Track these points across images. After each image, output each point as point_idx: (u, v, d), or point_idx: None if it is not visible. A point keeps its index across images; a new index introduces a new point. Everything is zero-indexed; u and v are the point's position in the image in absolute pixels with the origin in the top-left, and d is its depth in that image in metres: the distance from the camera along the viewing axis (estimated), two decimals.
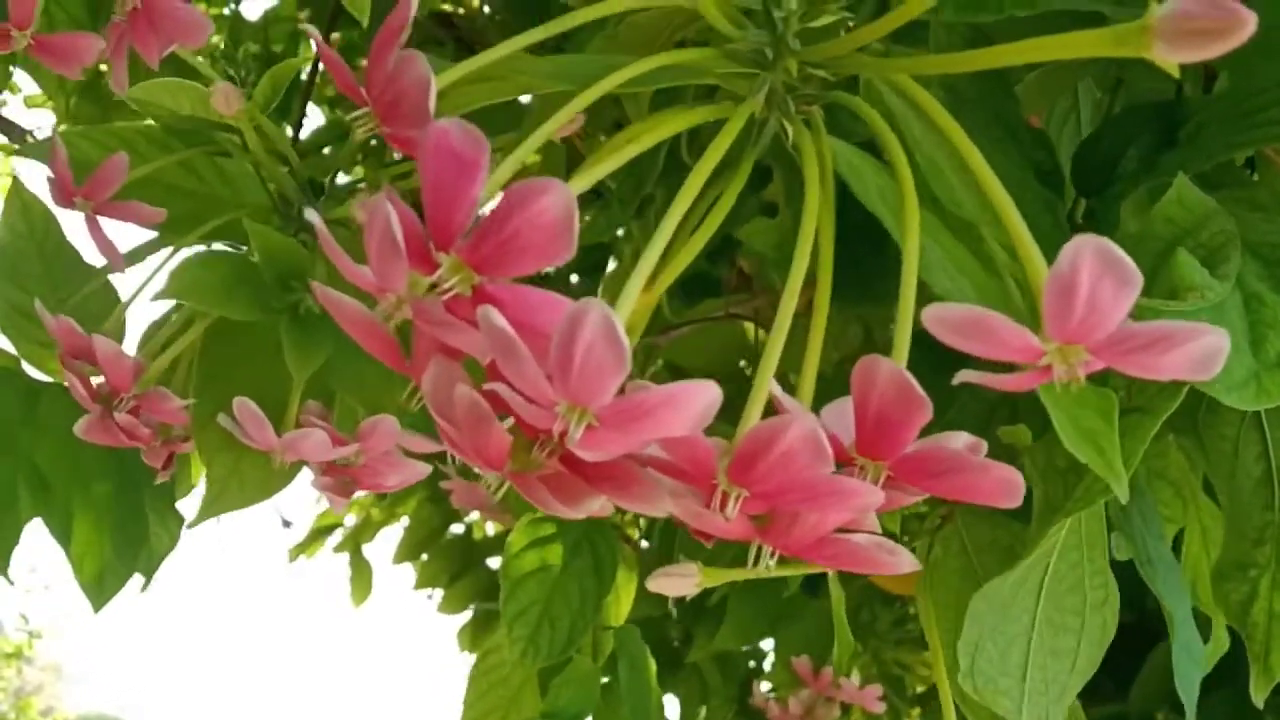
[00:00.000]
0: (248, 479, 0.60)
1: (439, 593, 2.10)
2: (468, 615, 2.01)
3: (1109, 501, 0.53)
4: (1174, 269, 0.43)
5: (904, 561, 0.35)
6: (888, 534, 0.36)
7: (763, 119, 0.39)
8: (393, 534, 2.18)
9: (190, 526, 0.59)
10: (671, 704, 1.59)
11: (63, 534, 0.71)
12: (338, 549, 2.28)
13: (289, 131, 0.62)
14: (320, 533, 2.28)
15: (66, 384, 0.56)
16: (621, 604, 1.01)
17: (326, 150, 0.59)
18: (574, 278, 1.69)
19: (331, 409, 0.58)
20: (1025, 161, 0.54)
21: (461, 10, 1.51)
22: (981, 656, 0.49)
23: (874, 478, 0.33)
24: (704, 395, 0.29)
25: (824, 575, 0.82)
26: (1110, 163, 0.59)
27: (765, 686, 1.53)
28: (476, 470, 0.35)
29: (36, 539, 0.71)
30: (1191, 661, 0.55)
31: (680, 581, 0.43)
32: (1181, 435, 0.59)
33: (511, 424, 0.34)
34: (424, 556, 2.09)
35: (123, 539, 0.72)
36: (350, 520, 2.26)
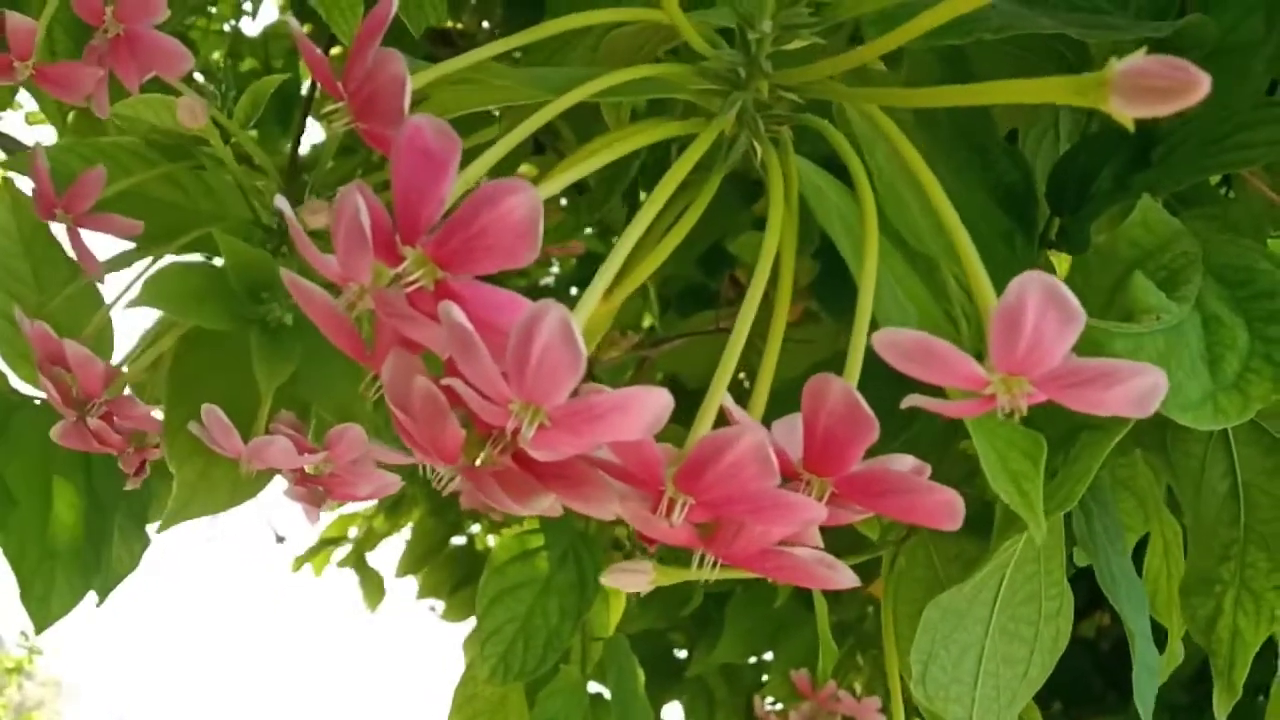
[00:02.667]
0: (217, 485, 0.60)
1: (441, 605, 2.12)
2: (473, 623, 2.02)
3: (1072, 515, 0.54)
4: (1130, 291, 0.43)
5: (843, 577, 0.36)
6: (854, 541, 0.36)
7: (733, 135, 0.39)
8: (395, 549, 2.20)
9: (159, 531, 0.60)
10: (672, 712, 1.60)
11: (18, 554, 0.71)
12: (342, 563, 2.29)
13: (288, 146, 0.63)
14: (325, 545, 2.30)
15: (42, 389, 0.56)
16: (611, 613, 1.02)
17: (330, 165, 0.60)
18: (573, 290, 1.72)
19: (307, 421, 0.59)
20: (991, 184, 0.54)
21: (460, 26, 1.51)
22: (934, 664, 0.50)
23: (819, 494, 0.34)
24: (655, 402, 0.30)
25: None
26: (1084, 182, 0.60)
27: (768, 700, 1.53)
28: (428, 463, 0.35)
29: None
30: (1149, 677, 0.56)
31: (634, 577, 0.44)
32: (1149, 452, 0.60)
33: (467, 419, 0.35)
34: (426, 569, 2.11)
35: (75, 565, 0.72)
36: (353, 533, 2.27)
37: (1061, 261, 0.64)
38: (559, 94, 0.37)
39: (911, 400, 0.33)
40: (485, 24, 1.55)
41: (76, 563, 0.70)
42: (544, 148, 1.67)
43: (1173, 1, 0.60)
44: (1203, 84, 0.27)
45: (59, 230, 0.66)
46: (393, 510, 2.18)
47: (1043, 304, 0.29)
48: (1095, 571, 0.53)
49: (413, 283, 0.31)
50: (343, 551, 2.32)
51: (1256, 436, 0.56)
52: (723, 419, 0.34)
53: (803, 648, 1.29)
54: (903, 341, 0.31)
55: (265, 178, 0.61)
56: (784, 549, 0.35)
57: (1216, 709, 0.58)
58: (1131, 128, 0.28)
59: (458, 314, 0.29)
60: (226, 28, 1.66)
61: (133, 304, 0.56)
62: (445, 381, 0.32)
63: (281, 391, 0.56)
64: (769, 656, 1.47)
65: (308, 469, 0.56)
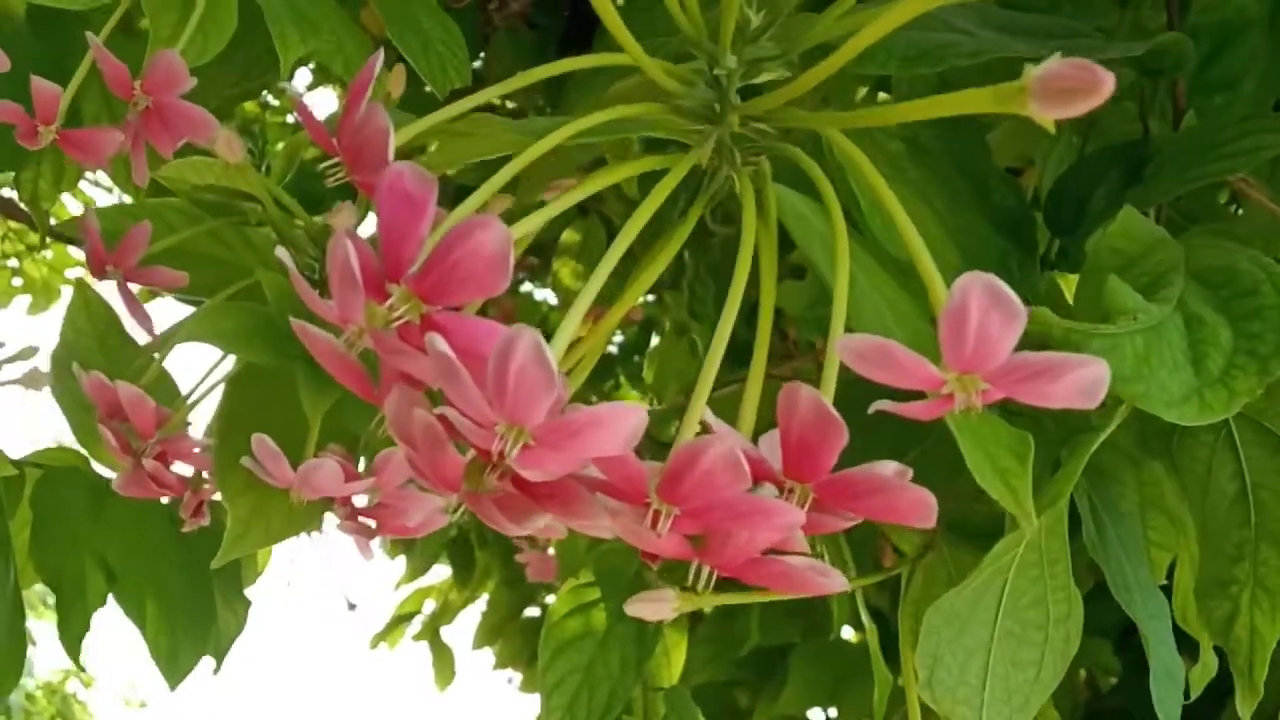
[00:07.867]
0: (272, 519, 0.61)
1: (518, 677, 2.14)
2: None
3: (1086, 529, 0.55)
4: (1106, 295, 0.45)
5: (835, 583, 0.37)
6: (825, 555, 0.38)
7: (713, 168, 0.41)
8: (470, 621, 2.23)
9: (215, 565, 0.61)
10: None
11: (137, 616, 0.76)
12: (417, 637, 2.31)
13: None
14: (400, 620, 2.32)
15: (104, 442, 0.59)
16: (673, 665, 1.02)
17: None
18: (635, 357, 1.78)
19: (356, 452, 0.61)
20: (989, 211, 0.56)
21: (513, 105, 1.52)
22: (940, 667, 0.51)
23: (800, 500, 0.36)
24: (630, 417, 0.32)
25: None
26: (1080, 202, 0.61)
27: None
28: (433, 491, 0.37)
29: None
30: (1173, 685, 0.57)
31: (657, 606, 0.46)
32: (1157, 458, 0.61)
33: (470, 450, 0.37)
34: (501, 640, 2.13)
35: (191, 620, 0.77)
36: (429, 606, 2.30)
37: (1069, 282, 0.65)
38: (540, 138, 0.39)
39: (879, 406, 0.34)
40: (540, 101, 1.57)
41: (190, 621, 0.75)
42: (587, 211, 1.70)
43: (1159, 24, 0.62)
44: (1107, 82, 0.29)
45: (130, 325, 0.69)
46: (466, 582, 2.20)
47: (985, 304, 0.31)
48: (1107, 579, 0.53)
49: (400, 317, 0.33)
50: (419, 629, 2.34)
51: (1262, 438, 0.56)
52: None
53: (867, 699, 1.29)
54: (860, 346, 0.32)
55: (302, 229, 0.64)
56: (774, 557, 0.37)
57: (1240, 709, 0.58)
58: (1053, 130, 0.30)
59: (441, 344, 0.32)
60: (290, 120, 1.74)
61: (179, 339, 0.58)
62: (438, 410, 0.34)
63: (330, 424, 0.58)
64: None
65: (357, 501, 0.58)
